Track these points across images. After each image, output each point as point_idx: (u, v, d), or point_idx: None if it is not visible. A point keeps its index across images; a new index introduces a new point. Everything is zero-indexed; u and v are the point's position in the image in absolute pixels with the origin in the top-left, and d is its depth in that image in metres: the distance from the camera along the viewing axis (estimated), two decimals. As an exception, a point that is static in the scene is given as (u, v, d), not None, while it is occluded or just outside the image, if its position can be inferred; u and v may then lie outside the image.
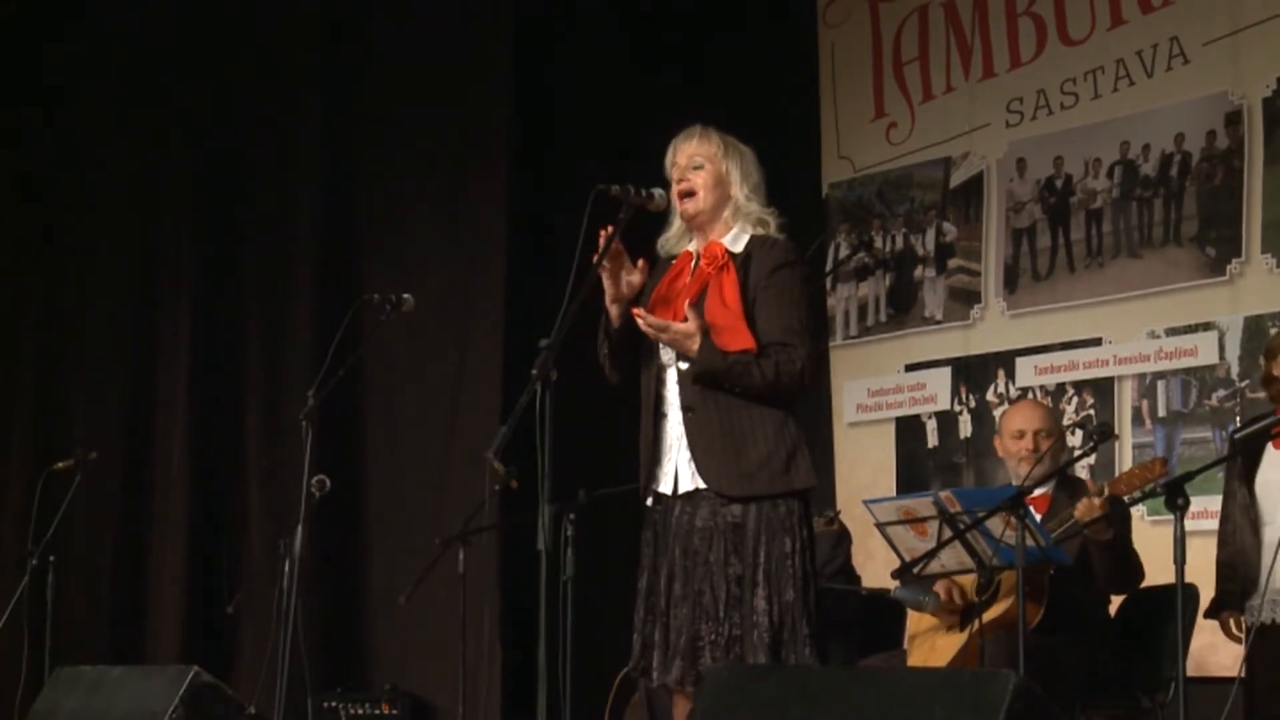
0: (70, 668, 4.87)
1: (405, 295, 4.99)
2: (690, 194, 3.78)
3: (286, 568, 4.79)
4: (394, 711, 6.27)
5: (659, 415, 3.77)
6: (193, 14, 7.10)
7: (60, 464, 6.01)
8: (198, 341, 7.05)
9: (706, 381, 3.65)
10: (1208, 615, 4.44)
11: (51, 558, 5.83)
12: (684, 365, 3.70)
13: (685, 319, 3.66)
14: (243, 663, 6.64)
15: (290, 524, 4.83)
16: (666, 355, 3.76)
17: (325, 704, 6.14)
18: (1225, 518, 4.44)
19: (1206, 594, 4.46)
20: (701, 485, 3.70)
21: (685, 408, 3.72)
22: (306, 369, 6.37)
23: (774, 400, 3.70)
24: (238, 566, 6.90)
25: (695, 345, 3.63)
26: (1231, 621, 4.40)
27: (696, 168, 3.79)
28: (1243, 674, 4.14)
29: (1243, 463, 4.39)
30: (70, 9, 7.22)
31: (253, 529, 6.88)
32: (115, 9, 7.15)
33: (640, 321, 3.64)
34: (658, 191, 3.74)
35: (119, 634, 6.90)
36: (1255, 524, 4.33)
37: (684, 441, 3.72)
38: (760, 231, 3.78)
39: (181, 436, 7.00)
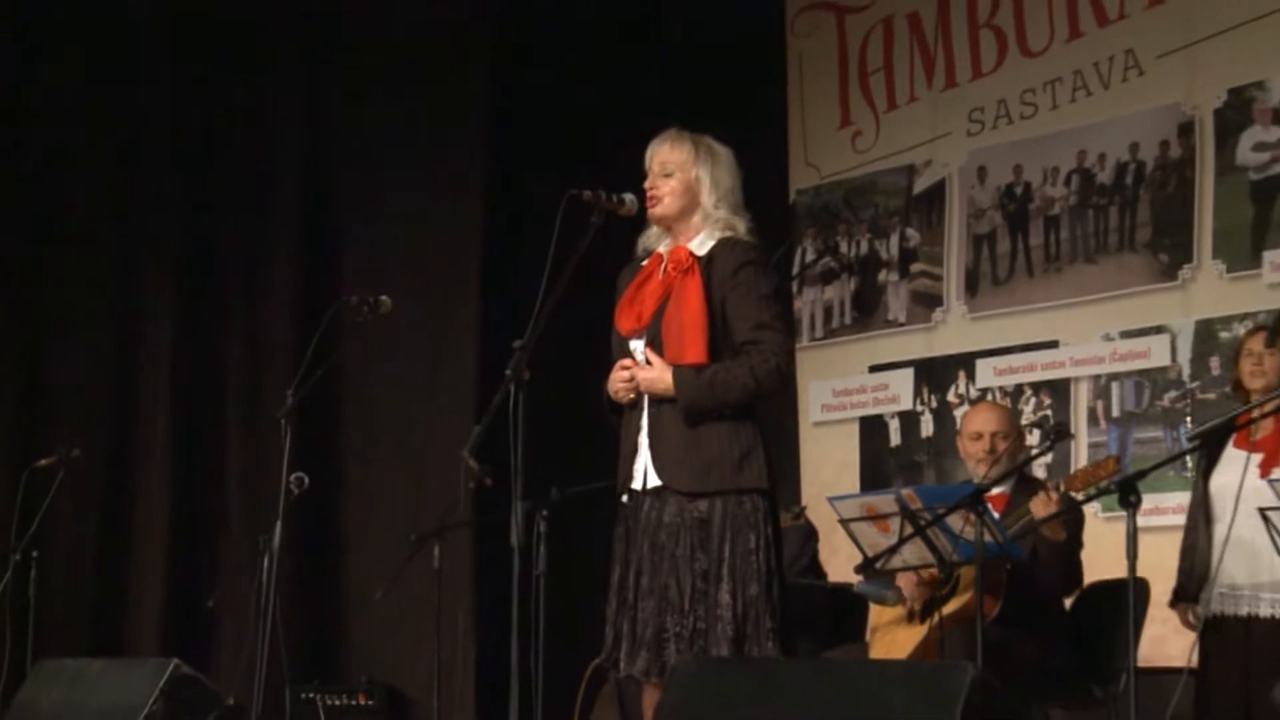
0: (52, 660, 4.85)
1: (383, 298, 4.98)
2: (655, 200, 3.80)
3: (265, 563, 4.77)
4: (370, 703, 6.26)
5: (634, 414, 3.79)
6: (180, 18, 7.06)
7: (43, 461, 5.98)
8: (179, 342, 7.02)
9: (694, 414, 3.66)
10: (1170, 605, 4.48)
11: (34, 553, 5.80)
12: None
13: (648, 361, 3.70)
14: (222, 656, 6.62)
15: (269, 520, 4.82)
16: (639, 357, 3.77)
17: (303, 695, 6.12)
18: (1191, 514, 4.49)
19: (1158, 588, 4.50)
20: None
21: (652, 407, 3.74)
22: (286, 369, 6.36)
23: (762, 400, 3.72)
24: (217, 562, 6.88)
25: (666, 384, 3.66)
26: (1189, 613, 4.44)
27: (667, 175, 3.80)
28: (1195, 664, 4.17)
29: (1206, 461, 4.43)
30: (53, 9, 7.16)
31: (232, 525, 6.86)
32: (96, 13, 7.10)
33: (622, 390, 3.72)
34: (628, 197, 3.76)
35: (100, 628, 6.87)
36: (1209, 521, 4.37)
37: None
38: (728, 234, 3.80)
39: (163, 434, 6.97)
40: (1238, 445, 4.35)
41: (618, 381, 3.76)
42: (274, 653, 4.64)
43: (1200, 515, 4.40)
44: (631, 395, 3.75)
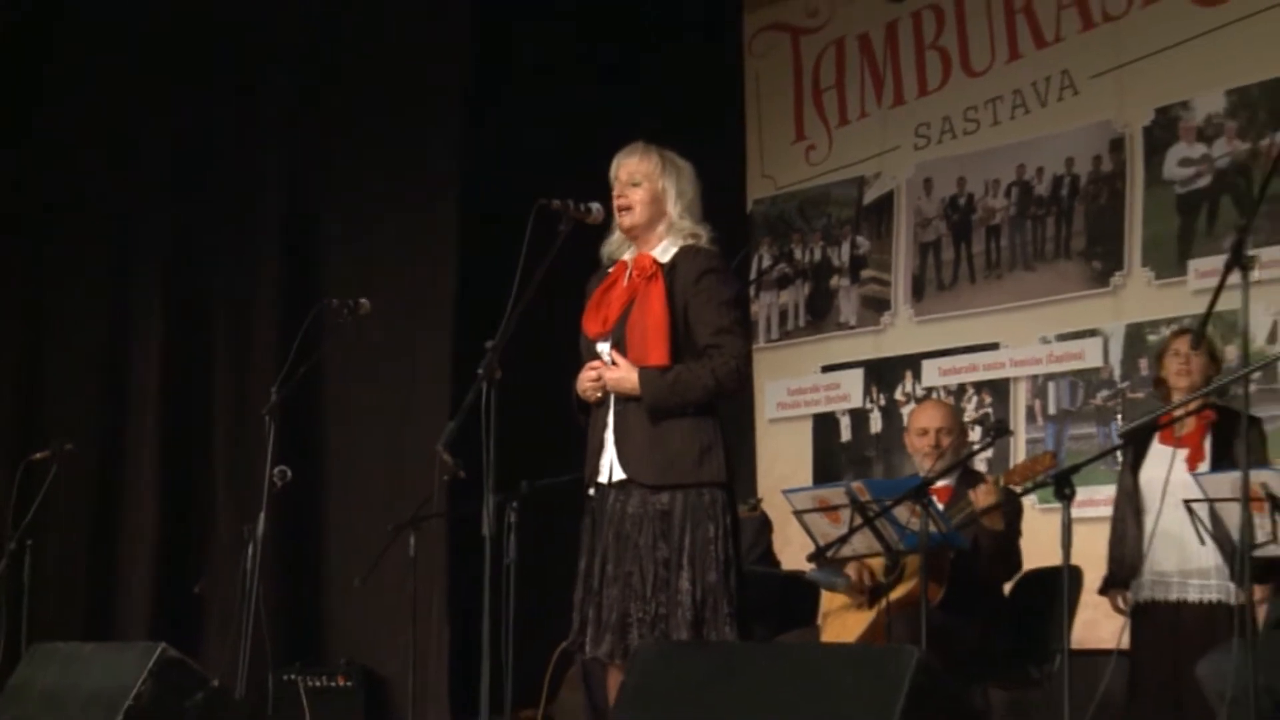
0: (45, 644, 4.81)
1: (362, 300, 4.97)
2: (626, 209, 3.80)
3: (250, 551, 4.76)
4: (349, 683, 6.23)
5: (601, 412, 3.79)
6: (176, 26, 7.00)
7: (38, 455, 5.94)
8: (169, 342, 6.99)
9: (659, 414, 3.67)
10: (1100, 592, 4.51)
11: (29, 542, 5.76)
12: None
13: (614, 362, 3.70)
14: (209, 639, 6.58)
15: (254, 511, 4.81)
16: (607, 357, 3.78)
17: (285, 677, 6.09)
18: (1117, 506, 4.52)
19: (1090, 575, 4.53)
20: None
21: (618, 404, 3.75)
22: (269, 368, 6.33)
23: (722, 400, 3.73)
24: (204, 550, 6.84)
25: (632, 384, 3.67)
26: (1119, 598, 4.48)
27: (635, 184, 3.80)
28: (1125, 646, 4.20)
29: (1132, 456, 4.46)
30: (51, 12, 7.09)
31: (218, 516, 6.82)
32: (95, 15, 7.03)
33: (590, 389, 3.73)
34: (595, 206, 3.76)
35: (93, 613, 6.82)
36: (1138, 513, 4.40)
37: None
38: (690, 242, 3.80)
39: (153, 430, 6.93)
40: (1163, 441, 4.38)
41: (586, 381, 3.77)
42: (258, 636, 4.62)
43: (1128, 507, 4.43)
44: (599, 394, 3.76)
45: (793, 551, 5.56)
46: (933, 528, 4.12)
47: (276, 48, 7.01)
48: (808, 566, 4.80)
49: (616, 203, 3.80)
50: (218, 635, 6.39)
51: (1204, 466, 4.23)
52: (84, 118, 7.10)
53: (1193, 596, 4.31)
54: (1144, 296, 5.77)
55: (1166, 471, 4.20)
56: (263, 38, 6.99)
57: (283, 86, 7.02)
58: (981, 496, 4.40)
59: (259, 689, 5.30)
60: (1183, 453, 4.30)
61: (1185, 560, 4.28)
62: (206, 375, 7.00)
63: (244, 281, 7.02)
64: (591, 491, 3.82)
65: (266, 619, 4.76)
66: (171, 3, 6.96)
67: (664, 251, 3.80)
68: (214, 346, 7.02)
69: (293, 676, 6.14)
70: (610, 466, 3.75)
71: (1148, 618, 4.31)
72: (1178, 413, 4.27)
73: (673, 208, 3.80)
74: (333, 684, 6.21)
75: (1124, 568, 4.42)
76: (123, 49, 7.07)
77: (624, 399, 3.72)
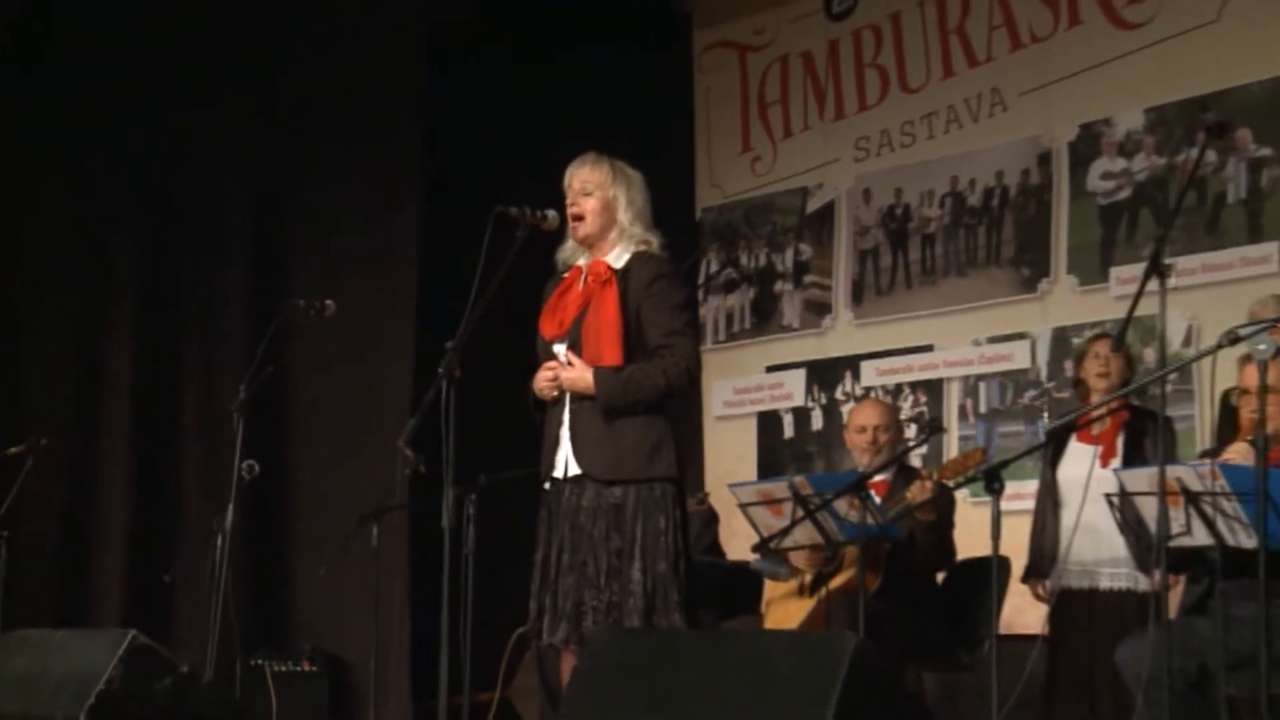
0: (18, 631, 4.74)
1: (328, 301, 4.94)
2: (579, 218, 3.79)
3: (219, 542, 4.71)
4: (314, 668, 6.19)
5: (557, 409, 3.78)
6: (143, 31, 6.91)
7: (13, 449, 5.85)
8: (141, 340, 6.90)
9: (614, 409, 3.65)
10: (1022, 580, 4.54)
11: (5, 533, 5.67)
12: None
13: (570, 363, 3.69)
14: (179, 627, 6.51)
15: (222, 503, 4.77)
16: (563, 358, 3.76)
17: (252, 663, 6.03)
18: (1038, 500, 4.55)
19: (1018, 565, 4.56)
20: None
21: (573, 403, 3.74)
22: (239, 365, 6.26)
23: (673, 399, 3.72)
24: (174, 541, 6.76)
25: (587, 383, 3.65)
26: (1039, 587, 4.50)
27: (587, 194, 3.79)
28: (1046, 632, 4.24)
29: (1052, 452, 4.49)
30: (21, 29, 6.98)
31: (189, 508, 6.75)
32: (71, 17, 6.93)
33: (546, 388, 3.71)
34: (550, 213, 3.75)
35: (66, 602, 6.72)
36: (1056, 506, 4.43)
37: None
38: (642, 249, 3.79)
39: (125, 426, 6.85)
40: (1081, 439, 4.41)
41: (542, 381, 3.75)
42: (226, 623, 4.58)
43: (1047, 501, 4.46)
44: (555, 393, 3.74)
45: (738, 543, 5.56)
46: (870, 520, 4.13)
47: (244, 58, 6.93)
48: (752, 557, 4.80)
49: (570, 211, 3.79)
50: (187, 623, 6.32)
51: (1116, 463, 4.26)
52: (59, 126, 7.00)
53: (1104, 585, 4.35)
54: (1069, 302, 5.81)
55: (1082, 468, 4.23)
56: (229, 48, 6.91)
57: (250, 95, 6.95)
58: (917, 492, 4.42)
59: (227, 674, 5.25)
60: (1098, 449, 4.33)
61: (1099, 551, 4.31)
62: (177, 373, 6.93)
63: (214, 283, 6.95)
64: (547, 485, 3.80)
65: (234, 607, 4.72)
66: (145, 11, 6.87)
67: (617, 258, 3.79)
68: (184, 345, 6.95)
69: (259, 662, 6.09)
70: (566, 462, 3.74)
71: (1065, 605, 4.34)
72: (1100, 412, 4.31)
73: (624, 215, 3.80)
74: (298, 669, 6.16)
75: (1043, 558, 4.45)
76: (99, 52, 6.97)
77: (579, 398, 3.71)
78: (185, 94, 6.95)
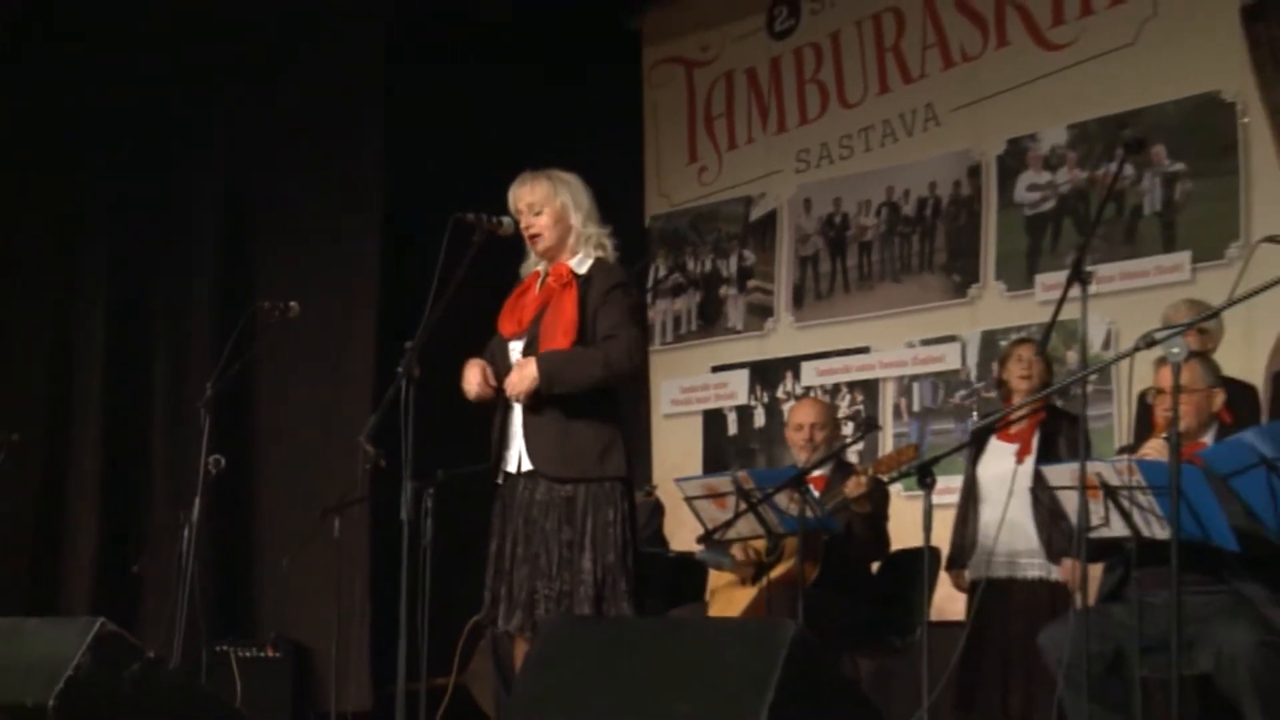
0: (-13, 620, 4.65)
1: (292, 303, 4.89)
2: (537, 235, 3.77)
3: (186, 534, 4.66)
4: (277, 655, 6.13)
5: (508, 408, 3.75)
6: (117, 47, 6.81)
7: (-15, 444, 5.76)
8: (111, 339, 6.81)
9: (554, 383, 3.61)
10: (945, 570, 4.57)
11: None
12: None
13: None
14: (146, 615, 6.43)
15: (189, 497, 4.72)
16: (515, 359, 3.74)
17: (218, 649, 5.96)
18: (961, 495, 4.58)
19: (948, 555, 4.59)
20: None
21: (526, 403, 3.71)
22: (206, 364, 6.20)
23: (616, 383, 3.67)
24: (143, 533, 6.68)
25: (531, 371, 3.60)
26: (959, 576, 4.54)
27: (537, 213, 3.76)
28: (965, 619, 4.27)
29: (975, 450, 4.52)
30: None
31: (157, 501, 6.67)
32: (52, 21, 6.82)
33: (477, 393, 3.68)
34: (506, 219, 3.73)
35: (37, 592, 6.63)
36: (976, 501, 4.47)
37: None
38: (600, 255, 3.77)
39: (95, 421, 6.76)
40: (1001, 438, 4.45)
41: (471, 384, 3.70)
42: (192, 612, 4.53)
43: (968, 496, 4.50)
44: (483, 392, 3.68)
45: (684, 534, 5.56)
46: (809, 513, 4.14)
47: (211, 67, 6.86)
48: (697, 548, 4.80)
49: (527, 232, 3.77)
50: (155, 611, 6.25)
51: (1030, 460, 4.29)
52: (33, 128, 6.89)
53: (1019, 574, 4.38)
54: (997, 306, 5.86)
55: (1001, 465, 4.27)
56: (197, 56, 6.83)
57: (219, 103, 6.88)
58: (853, 486, 4.44)
59: (193, 660, 5.19)
60: (1016, 447, 4.37)
61: (1014, 542, 4.35)
62: (146, 370, 6.85)
63: (182, 284, 6.88)
64: (501, 480, 3.78)
65: (201, 596, 4.67)
66: (119, 13, 6.76)
67: (580, 263, 3.77)
68: (153, 344, 6.87)
69: (225, 648, 6.02)
70: (519, 458, 3.72)
71: (984, 593, 4.37)
72: (1023, 412, 4.34)
73: (575, 219, 3.78)
74: (262, 655, 6.10)
75: (963, 550, 4.48)
76: (72, 66, 6.87)
77: (529, 401, 3.68)
78: (146, 100, 6.86)
